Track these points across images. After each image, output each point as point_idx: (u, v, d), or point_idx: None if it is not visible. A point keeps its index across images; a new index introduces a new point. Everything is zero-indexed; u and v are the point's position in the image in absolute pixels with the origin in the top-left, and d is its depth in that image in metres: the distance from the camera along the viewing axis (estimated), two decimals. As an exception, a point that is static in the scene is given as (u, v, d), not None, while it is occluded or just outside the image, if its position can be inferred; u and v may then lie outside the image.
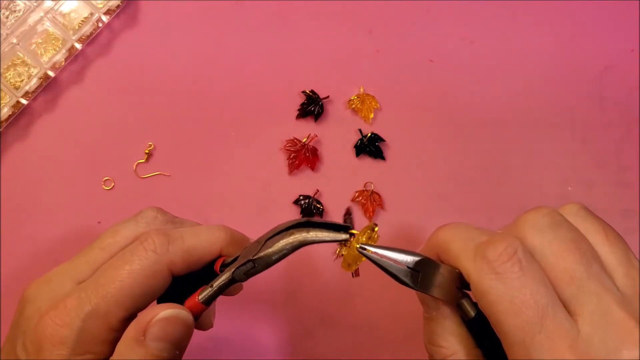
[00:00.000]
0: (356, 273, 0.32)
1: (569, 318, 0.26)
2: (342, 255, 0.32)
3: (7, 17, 0.53)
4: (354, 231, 0.31)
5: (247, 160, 0.54)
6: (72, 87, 0.54)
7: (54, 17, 0.53)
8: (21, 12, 0.53)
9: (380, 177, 0.54)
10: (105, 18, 0.54)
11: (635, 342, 0.24)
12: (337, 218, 0.53)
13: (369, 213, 0.52)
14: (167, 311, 0.30)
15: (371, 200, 0.53)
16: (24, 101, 0.53)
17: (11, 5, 0.53)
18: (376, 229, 0.32)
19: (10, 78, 0.52)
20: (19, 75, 0.52)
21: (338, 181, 0.54)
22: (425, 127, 0.55)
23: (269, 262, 0.32)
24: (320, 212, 0.52)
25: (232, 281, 0.32)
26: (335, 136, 0.54)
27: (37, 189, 0.52)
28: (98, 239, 0.34)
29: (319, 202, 0.52)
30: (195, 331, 0.32)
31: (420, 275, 0.29)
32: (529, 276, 0.26)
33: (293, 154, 0.53)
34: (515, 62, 0.56)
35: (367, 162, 0.54)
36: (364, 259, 0.31)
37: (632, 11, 0.57)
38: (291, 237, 0.32)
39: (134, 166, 0.53)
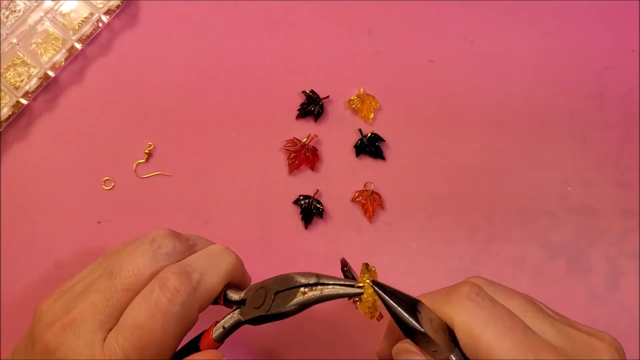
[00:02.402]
0: (380, 317, 0.32)
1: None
2: (358, 307, 0.32)
3: (7, 17, 0.53)
4: (360, 284, 0.31)
5: (247, 160, 0.54)
6: (72, 87, 0.54)
7: (54, 17, 0.53)
8: (21, 12, 0.53)
9: (380, 177, 0.54)
10: (105, 18, 0.54)
11: None
12: (337, 218, 0.53)
13: (369, 213, 0.52)
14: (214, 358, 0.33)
15: (371, 200, 0.53)
16: (24, 101, 0.53)
17: (11, 5, 0.53)
18: (371, 267, 0.32)
19: (10, 78, 0.52)
20: (19, 75, 0.52)
21: (338, 181, 0.54)
22: (425, 127, 0.55)
23: (280, 318, 0.34)
24: (320, 212, 0.52)
25: (241, 324, 0.34)
26: (335, 136, 0.54)
27: (37, 189, 0.52)
28: (118, 274, 0.32)
29: (319, 202, 0.52)
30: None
31: (421, 317, 0.28)
32: (500, 307, 0.28)
33: (293, 154, 0.53)
34: (515, 62, 0.56)
35: (367, 162, 0.54)
36: (378, 301, 0.30)
37: (632, 11, 0.57)
38: (305, 296, 0.33)
39: (134, 166, 0.53)
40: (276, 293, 0.34)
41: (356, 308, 0.32)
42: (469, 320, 0.28)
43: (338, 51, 0.56)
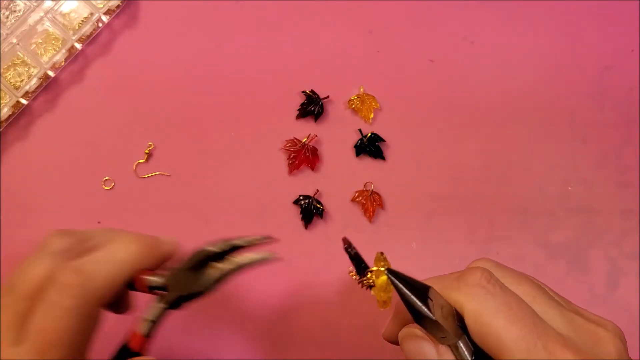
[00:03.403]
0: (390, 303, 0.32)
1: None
2: (372, 292, 0.32)
3: (7, 17, 0.53)
4: (374, 268, 0.31)
5: (247, 160, 0.54)
6: (72, 87, 0.54)
7: (54, 17, 0.53)
8: (21, 12, 0.53)
9: (380, 177, 0.54)
10: (105, 18, 0.54)
11: None
12: (337, 218, 0.53)
13: (369, 213, 0.52)
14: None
15: (371, 200, 0.53)
16: (24, 101, 0.53)
17: (11, 5, 0.53)
18: (384, 256, 0.32)
19: (10, 78, 0.52)
20: (19, 75, 0.52)
21: (338, 181, 0.54)
22: (425, 127, 0.55)
23: (198, 296, 0.34)
24: (320, 212, 0.52)
25: (167, 311, 0.34)
26: (335, 136, 0.54)
27: (37, 189, 0.52)
28: (17, 286, 0.32)
29: (319, 202, 0.52)
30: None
31: (432, 304, 0.28)
32: (510, 293, 0.28)
33: (293, 154, 0.53)
34: (515, 62, 0.56)
35: (367, 162, 0.54)
36: (392, 289, 0.30)
37: (632, 11, 0.57)
38: (221, 270, 0.34)
39: (134, 166, 0.53)
40: (192, 271, 0.34)
41: (364, 290, 0.32)
42: (479, 308, 0.28)
43: (338, 51, 0.56)
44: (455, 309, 0.29)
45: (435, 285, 0.30)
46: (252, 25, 0.56)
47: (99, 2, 0.53)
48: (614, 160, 0.55)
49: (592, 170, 0.55)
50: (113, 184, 0.53)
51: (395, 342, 0.32)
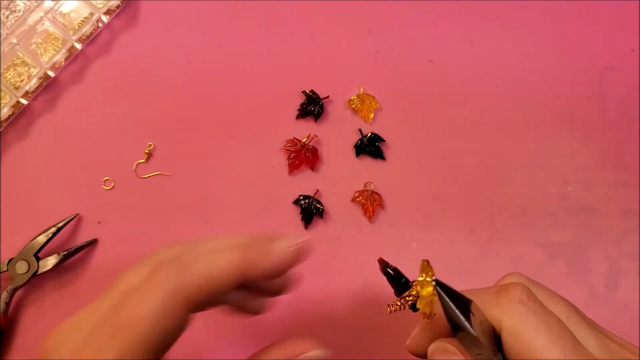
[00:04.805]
0: (432, 315, 0.31)
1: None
2: (417, 304, 0.30)
3: (7, 17, 0.53)
4: (420, 278, 0.29)
5: (247, 160, 0.54)
6: (72, 87, 0.54)
7: (54, 17, 0.53)
8: (21, 12, 0.53)
9: (380, 177, 0.54)
10: (105, 18, 0.54)
11: None
12: (337, 218, 0.53)
13: (369, 213, 0.52)
14: (315, 351, 0.30)
15: (371, 200, 0.53)
16: (24, 101, 0.53)
17: (11, 5, 0.53)
18: (430, 265, 0.30)
19: (10, 78, 0.52)
20: (19, 75, 0.52)
21: (338, 181, 0.54)
22: (426, 127, 0.55)
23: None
24: (320, 212, 0.52)
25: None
26: (335, 136, 0.54)
27: (37, 189, 0.52)
28: (111, 287, 0.31)
29: (319, 202, 0.52)
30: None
31: (473, 319, 0.27)
32: (549, 313, 0.28)
33: (293, 154, 0.53)
34: (515, 62, 0.56)
35: (367, 162, 0.54)
36: (436, 299, 0.28)
37: (632, 11, 0.57)
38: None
39: (134, 166, 0.53)
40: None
41: (403, 306, 0.31)
42: (519, 325, 0.27)
43: (338, 51, 0.56)
44: (493, 326, 0.28)
45: (473, 300, 0.29)
46: (252, 25, 0.56)
47: (99, 2, 0.53)
48: (614, 160, 0.55)
49: (592, 170, 0.55)
50: (113, 184, 0.53)
51: (421, 355, 0.32)
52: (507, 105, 0.55)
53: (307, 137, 0.53)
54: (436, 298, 0.28)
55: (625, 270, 0.53)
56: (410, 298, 0.30)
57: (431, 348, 0.30)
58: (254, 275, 0.30)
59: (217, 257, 0.29)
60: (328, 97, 0.54)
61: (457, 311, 0.27)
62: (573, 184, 0.54)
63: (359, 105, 0.54)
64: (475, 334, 0.27)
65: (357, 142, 0.54)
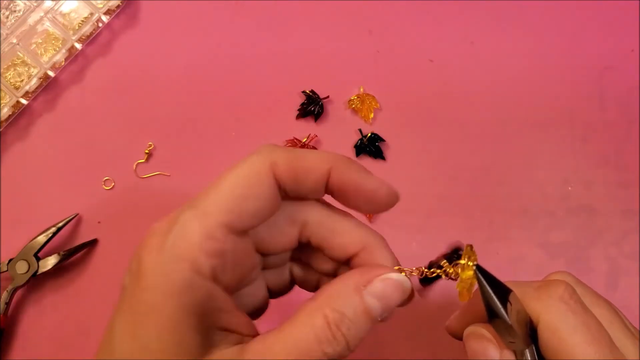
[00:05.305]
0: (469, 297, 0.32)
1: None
2: (456, 285, 0.31)
3: (7, 17, 0.53)
4: (462, 261, 0.30)
5: (247, 160, 0.54)
6: (72, 87, 0.54)
7: (54, 17, 0.53)
8: (21, 12, 0.53)
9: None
10: (105, 18, 0.54)
11: None
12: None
13: (369, 213, 0.52)
14: (398, 275, 0.29)
15: (371, 200, 0.52)
16: (24, 101, 0.53)
17: (11, 5, 0.53)
18: (474, 250, 0.31)
19: (10, 78, 0.52)
20: (19, 75, 0.52)
21: (338, 181, 0.54)
22: (425, 127, 0.55)
23: None
24: (320, 212, 0.52)
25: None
26: (335, 136, 0.54)
27: (37, 189, 0.52)
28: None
29: (319, 202, 0.52)
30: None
31: (510, 308, 0.28)
32: (590, 314, 0.28)
33: (293, 154, 0.53)
34: (515, 62, 0.56)
35: (367, 162, 0.54)
36: (475, 283, 0.29)
37: (632, 11, 0.57)
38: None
39: (134, 166, 0.53)
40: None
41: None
42: (557, 322, 0.28)
43: (338, 51, 0.56)
44: (530, 318, 0.29)
45: (514, 290, 0.29)
46: (252, 25, 0.56)
47: (99, 2, 0.53)
48: (614, 160, 0.55)
49: (592, 170, 0.55)
50: (113, 184, 0.53)
51: (457, 337, 0.32)
52: (507, 105, 0.55)
53: (307, 137, 0.53)
54: (475, 282, 0.29)
55: (625, 270, 0.53)
56: (451, 272, 0.31)
57: (467, 331, 0.31)
58: (341, 186, 0.29)
59: (315, 156, 0.29)
60: (328, 97, 0.54)
61: (494, 297, 0.28)
62: (573, 184, 0.54)
63: (359, 105, 0.54)
64: (509, 322, 0.27)
65: (357, 142, 0.54)
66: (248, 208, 0.27)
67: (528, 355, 0.28)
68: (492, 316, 0.28)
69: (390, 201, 0.32)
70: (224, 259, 0.26)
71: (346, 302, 0.26)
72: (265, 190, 0.27)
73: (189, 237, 0.26)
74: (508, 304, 0.28)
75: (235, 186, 0.27)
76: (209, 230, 0.26)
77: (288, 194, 0.28)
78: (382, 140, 0.54)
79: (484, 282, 0.28)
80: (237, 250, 0.27)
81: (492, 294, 0.28)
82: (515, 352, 0.29)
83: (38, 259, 0.50)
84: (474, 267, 0.29)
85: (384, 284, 0.28)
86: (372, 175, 0.31)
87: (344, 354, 0.26)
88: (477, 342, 0.30)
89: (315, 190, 0.29)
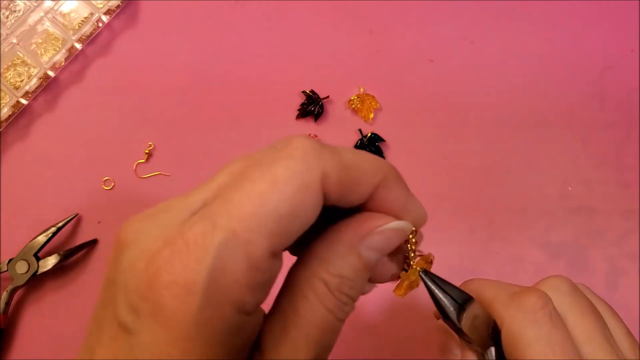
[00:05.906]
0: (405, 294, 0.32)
1: None
2: (401, 275, 0.31)
3: (7, 17, 0.53)
4: (413, 264, 0.30)
5: (247, 160, 0.54)
6: (72, 87, 0.54)
7: (54, 17, 0.53)
8: (21, 12, 0.53)
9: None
10: (105, 18, 0.54)
11: None
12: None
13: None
14: (398, 223, 0.26)
15: (371, 200, 0.52)
16: (24, 101, 0.53)
17: (11, 5, 0.53)
18: (432, 259, 0.31)
19: (10, 78, 0.52)
20: (19, 75, 0.52)
21: (338, 181, 0.53)
22: (425, 127, 0.55)
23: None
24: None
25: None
26: (335, 136, 0.54)
27: (37, 189, 0.52)
28: (224, 166, 0.25)
29: (319, 202, 0.52)
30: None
31: (464, 314, 0.28)
32: (558, 328, 0.28)
33: (293, 154, 0.53)
34: (515, 62, 0.56)
35: (367, 162, 0.54)
36: (419, 285, 0.29)
37: (632, 11, 0.57)
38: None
39: (134, 166, 0.53)
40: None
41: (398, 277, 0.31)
42: (517, 331, 0.27)
43: (338, 51, 0.56)
44: (495, 322, 0.29)
45: (490, 292, 0.29)
46: (252, 25, 0.56)
47: (99, 2, 0.53)
48: (614, 160, 0.55)
49: (592, 170, 0.55)
50: (113, 184, 0.53)
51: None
52: (507, 105, 0.55)
53: (307, 137, 0.53)
54: (415, 286, 0.29)
55: (625, 270, 0.53)
56: (406, 263, 0.31)
57: (437, 324, 0.31)
58: (382, 202, 0.26)
59: (369, 164, 0.25)
60: (328, 97, 0.54)
61: (443, 299, 0.28)
62: (573, 184, 0.54)
63: (359, 105, 0.54)
64: (459, 325, 0.28)
65: (357, 142, 0.54)
66: (295, 229, 0.22)
67: (493, 354, 0.29)
68: (444, 318, 0.29)
69: (420, 225, 0.30)
70: (267, 289, 0.22)
71: (344, 263, 0.23)
72: (314, 206, 0.22)
73: (230, 274, 0.21)
74: (462, 310, 0.28)
75: (281, 201, 0.21)
76: (255, 262, 0.21)
77: (327, 202, 0.23)
78: (382, 140, 0.54)
79: (431, 285, 0.29)
80: (275, 272, 0.23)
81: (441, 296, 0.28)
82: (477, 352, 0.29)
83: (38, 259, 0.50)
84: (420, 271, 0.29)
85: (383, 236, 0.25)
86: (415, 198, 0.29)
87: (354, 308, 0.25)
88: (443, 338, 0.30)
89: (356, 202, 0.25)
